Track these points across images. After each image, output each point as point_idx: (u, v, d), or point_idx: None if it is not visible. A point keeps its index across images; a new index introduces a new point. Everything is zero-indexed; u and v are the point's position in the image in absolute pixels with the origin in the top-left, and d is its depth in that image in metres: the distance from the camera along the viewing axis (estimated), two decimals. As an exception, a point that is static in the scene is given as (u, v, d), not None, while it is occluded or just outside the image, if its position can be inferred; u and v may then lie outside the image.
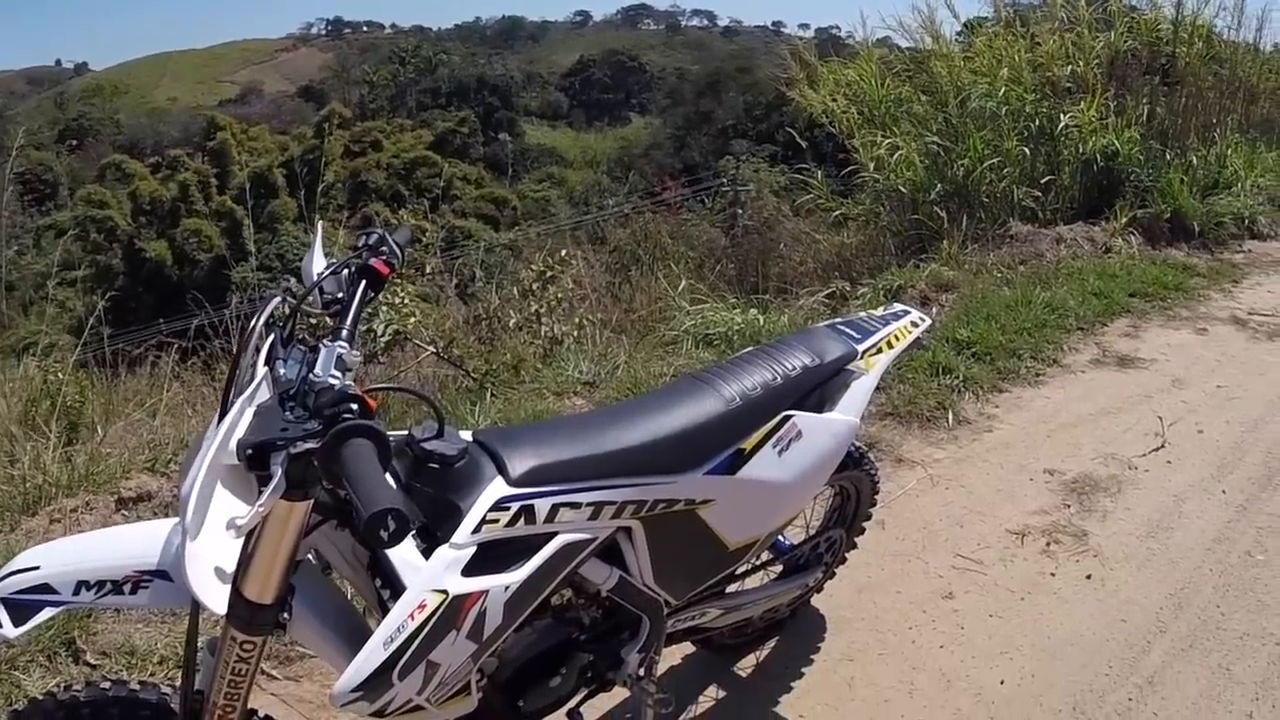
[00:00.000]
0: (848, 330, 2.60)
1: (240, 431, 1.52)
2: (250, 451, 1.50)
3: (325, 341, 1.72)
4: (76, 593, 1.67)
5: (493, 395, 5.09)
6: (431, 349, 5.80)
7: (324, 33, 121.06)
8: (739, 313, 6.05)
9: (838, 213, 9.43)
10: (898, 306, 2.86)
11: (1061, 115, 8.60)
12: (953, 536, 3.70)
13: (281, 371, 1.70)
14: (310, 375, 1.64)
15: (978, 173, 8.37)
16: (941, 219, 8.14)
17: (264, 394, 1.64)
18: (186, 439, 4.63)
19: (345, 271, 1.96)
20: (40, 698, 1.86)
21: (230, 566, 1.50)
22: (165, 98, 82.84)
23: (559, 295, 6.25)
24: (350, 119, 45.93)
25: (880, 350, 2.57)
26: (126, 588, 1.69)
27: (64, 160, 55.08)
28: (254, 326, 1.72)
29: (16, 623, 1.64)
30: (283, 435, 1.51)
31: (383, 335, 5.45)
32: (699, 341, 5.74)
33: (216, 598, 1.46)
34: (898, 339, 2.64)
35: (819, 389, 2.40)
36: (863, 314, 2.78)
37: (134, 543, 1.75)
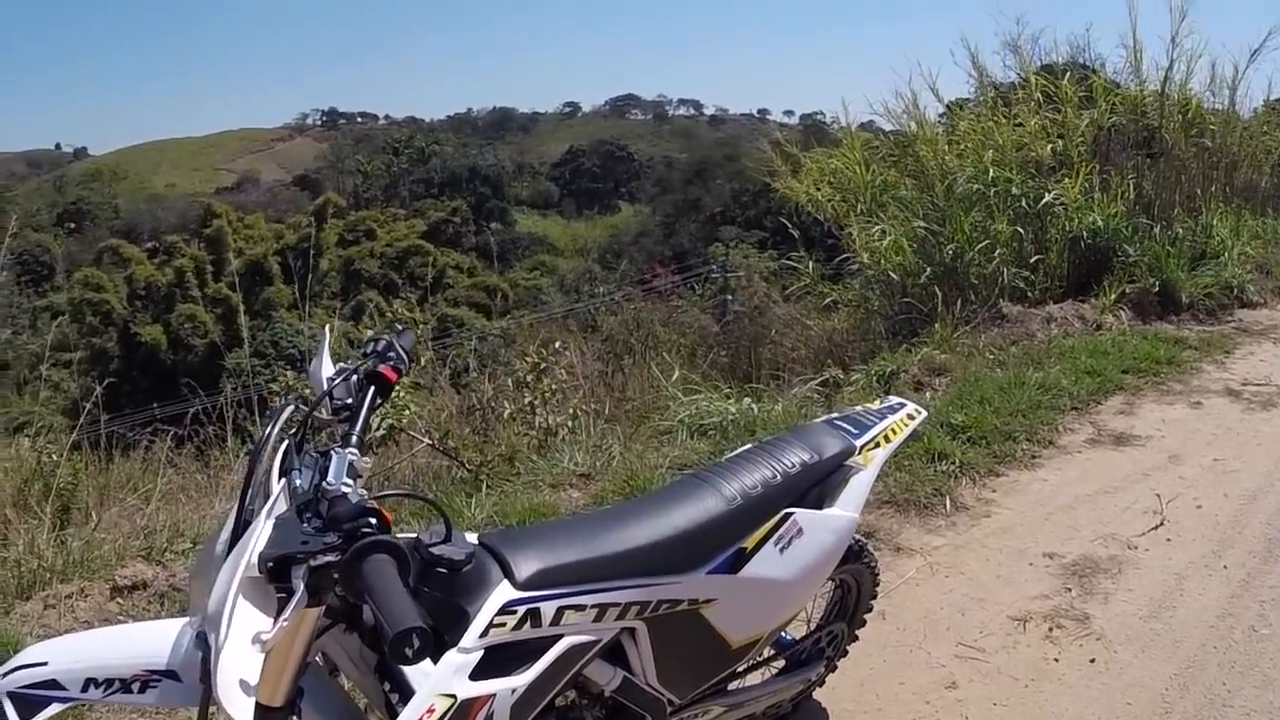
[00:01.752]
0: (845, 425, 2.62)
1: (261, 544, 1.56)
2: (271, 564, 1.54)
3: (336, 448, 1.76)
4: (84, 689, 1.67)
5: (488, 487, 5.07)
6: (427, 441, 5.78)
7: (319, 123, 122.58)
8: (733, 402, 6.06)
9: (829, 299, 9.47)
10: (893, 399, 2.89)
11: (1046, 193, 8.70)
12: (954, 625, 3.66)
13: (297, 482, 1.74)
14: (323, 483, 1.67)
15: (967, 255, 8.45)
16: (932, 302, 8.20)
17: (282, 505, 1.69)
18: (181, 527, 4.66)
19: (354, 378, 2.00)
20: None
21: (254, 679, 1.50)
22: (163, 184, 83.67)
23: (552, 386, 6.26)
24: (344, 208, 46.39)
25: (878, 444, 2.59)
26: (135, 686, 1.70)
27: (61, 243, 55.61)
28: (268, 434, 1.77)
29: (24, 717, 1.64)
30: (303, 549, 1.55)
31: (378, 430, 5.44)
32: (693, 432, 5.74)
33: (244, 709, 1.47)
34: (895, 432, 2.66)
35: (818, 485, 2.42)
36: (859, 408, 2.81)
37: (142, 641, 1.76)
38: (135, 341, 34.33)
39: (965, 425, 5.46)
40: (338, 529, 1.57)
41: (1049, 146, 9.25)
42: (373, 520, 1.58)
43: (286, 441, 1.81)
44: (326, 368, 2.05)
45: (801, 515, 2.31)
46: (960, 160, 9.24)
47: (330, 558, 1.54)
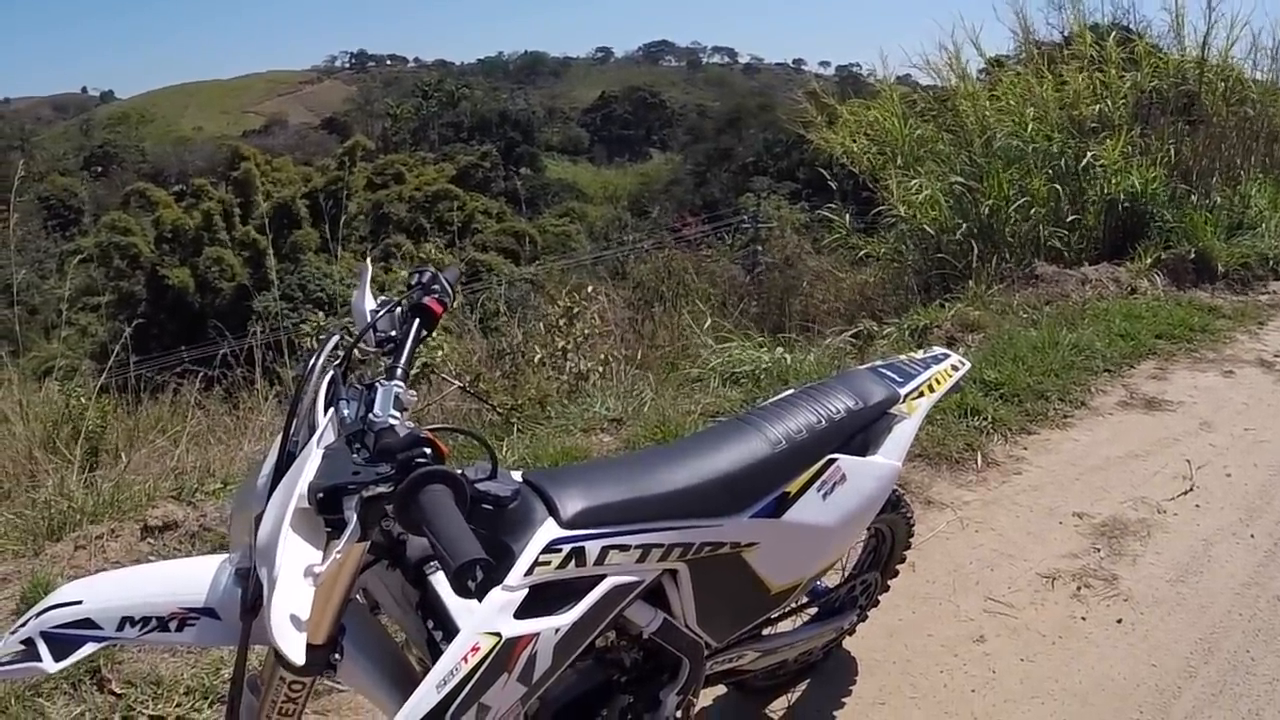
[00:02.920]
0: (889, 373, 2.61)
1: (310, 475, 1.52)
2: (322, 495, 1.50)
3: (381, 380, 1.74)
4: (120, 629, 1.63)
5: (519, 431, 5.09)
6: (458, 383, 5.81)
7: (348, 65, 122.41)
8: (765, 351, 6.06)
9: (862, 252, 9.42)
10: (937, 349, 2.88)
11: (1087, 154, 8.60)
12: (983, 579, 3.68)
13: (345, 412, 1.71)
14: (370, 415, 1.65)
15: (1003, 212, 8.38)
16: (966, 259, 8.15)
17: (330, 435, 1.65)
18: (211, 467, 4.68)
19: (398, 310, 1.97)
20: None
21: (305, 614, 1.47)
22: (190, 127, 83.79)
23: (585, 331, 6.26)
24: (373, 151, 46.28)
25: (922, 394, 2.58)
26: (172, 625, 1.65)
27: (88, 186, 55.71)
28: (314, 364, 1.74)
29: (57, 658, 1.59)
30: (355, 479, 1.52)
31: (411, 369, 5.45)
32: (725, 380, 5.74)
33: (296, 646, 1.44)
34: (939, 383, 2.65)
35: (862, 432, 2.41)
36: (903, 357, 2.79)
37: (178, 579, 1.73)
38: (163, 285, 34.44)
39: (998, 382, 5.44)
40: (390, 459, 1.54)
41: (1096, 107, 9.12)
42: (427, 450, 1.55)
43: (332, 372, 1.79)
44: (369, 301, 2.01)
45: (845, 462, 2.30)
46: (1001, 116, 9.13)
47: (383, 489, 1.51)
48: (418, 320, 1.94)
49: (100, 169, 61.93)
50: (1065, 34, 10.26)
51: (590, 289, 6.94)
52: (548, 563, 1.79)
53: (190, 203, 37.52)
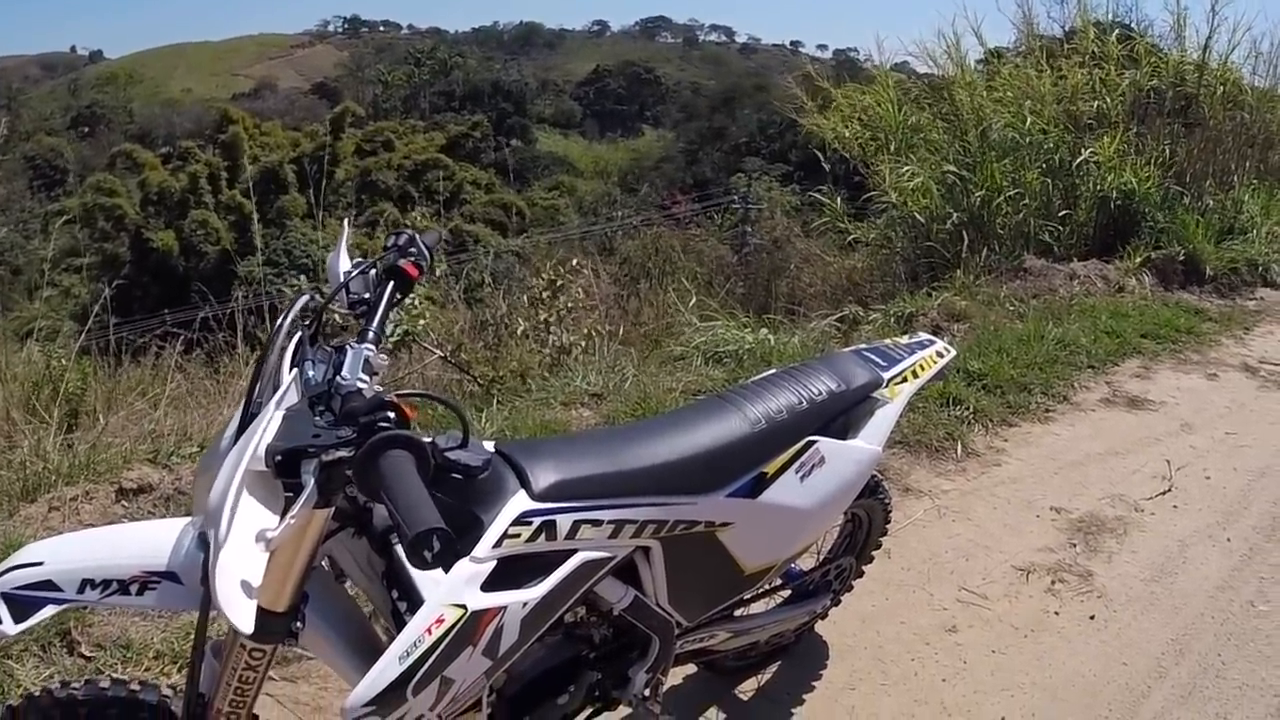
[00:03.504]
0: (873, 357, 2.58)
1: (269, 436, 1.47)
2: (280, 458, 1.45)
3: (351, 343, 1.70)
4: (81, 591, 1.61)
5: (499, 402, 5.06)
6: (439, 353, 5.78)
7: (340, 30, 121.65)
8: (749, 332, 6.03)
9: (851, 237, 9.40)
10: (923, 335, 2.85)
11: (1083, 150, 8.58)
12: (958, 569, 3.68)
13: (310, 374, 1.66)
14: (337, 378, 1.61)
15: (995, 203, 8.36)
16: (955, 248, 8.13)
17: (292, 396, 1.60)
18: (189, 431, 4.63)
19: (372, 272, 1.92)
20: (36, 693, 1.80)
21: (256, 580, 1.43)
22: (179, 89, 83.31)
23: (568, 305, 6.22)
24: (363, 118, 45.99)
25: (905, 379, 2.55)
26: (133, 588, 1.63)
27: (75, 147, 55.36)
28: (281, 324, 1.69)
29: (17, 619, 1.58)
30: (314, 442, 1.47)
31: (391, 336, 5.42)
32: (708, 358, 5.72)
33: (244, 613, 1.40)
34: (923, 369, 2.62)
35: (843, 415, 2.38)
36: (888, 341, 2.75)
37: (141, 542, 1.70)
38: (147, 247, 34.22)
39: (981, 373, 5.43)
40: (353, 423, 1.49)
41: (1094, 103, 9.09)
42: (390, 415, 1.50)
43: (299, 333, 1.74)
44: (344, 261, 1.96)
45: (825, 444, 2.28)
46: (997, 107, 9.10)
47: (344, 453, 1.46)
48: (392, 283, 1.90)
49: (87, 129, 61.49)
50: (1066, 28, 10.23)
51: (575, 262, 6.88)
52: (517, 535, 1.76)
53: (177, 165, 37.24)
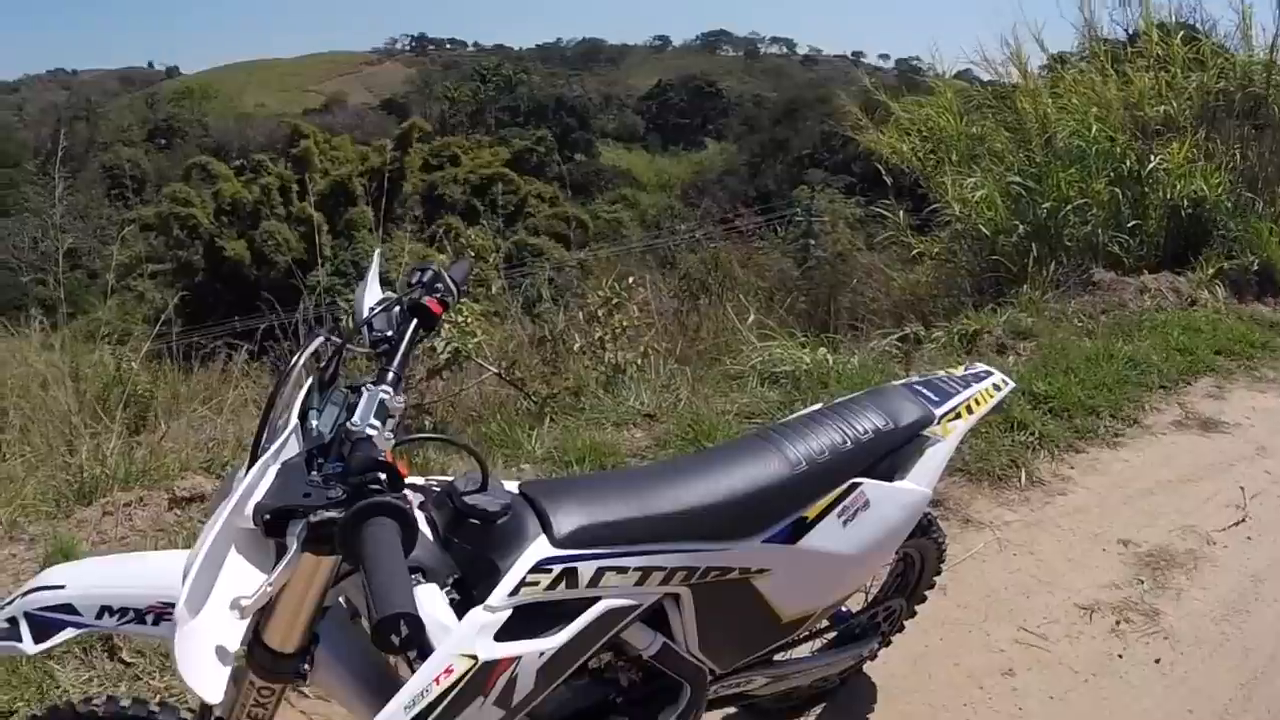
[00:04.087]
0: (925, 391, 2.44)
1: (260, 492, 1.43)
2: (268, 517, 1.40)
3: (368, 384, 1.63)
4: (99, 617, 1.63)
5: (551, 420, 5.01)
6: (493, 369, 5.72)
7: (408, 48, 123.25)
8: (808, 351, 5.86)
9: (915, 251, 9.19)
10: (979, 366, 2.68)
11: (1151, 157, 8.32)
12: (1018, 607, 3.50)
13: (314, 423, 1.60)
14: (348, 423, 1.55)
15: (1062, 214, 8.12)
16: (1021, 261, 7.91)
17: (292, 448, 1.54)
18: (245, 440, 4.61)
19: (396, 309, 1.86)
20: (60, 706, 1.83)
21: (234, 646, 1.39)
22: (252, 104, 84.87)
23: (624, 322, 6.10)
24: (430, 133, 46.52)
25: (959, 415, 2.41)
26: (149, 618, 1.63)
27: (152, 158, 56.79)
28: (293, 367, 1.64)
29: (37, 640, 1.61)
30: (304, 501, 1.41)
31: (442, 353, 5.38)
32: (765, 379, 5.57)
33: (212, 682, 1.34)
34: (978, 403, 2.47)
35: (891, 455, 2.24)
36: (941, 373, 2.60)
37: (160, 572, 1.68)
38: (220, 256, 35.01)
39: (1048, 395, 5.22)
40: (345, 481, 1.43)
41: (1161, 108, 8.81)
42: (382, 475, 1.44)
43: (310, 380, 1.68)
44: (372, 294, 1.91)
45: (869, 487, 2.15)
46: (1062, 115, 8.85)
47: (332, 514, 1.40)
48: (415, 321, 1.83)
49: (164, 142, 62.92)
50: (1130, 31, 9.95)
51: (632, 279, 6.77)
52: (536, 583, 1.68)
53: (249, 177, 38.03)
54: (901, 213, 9.59)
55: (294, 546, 1.38)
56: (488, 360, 5.74)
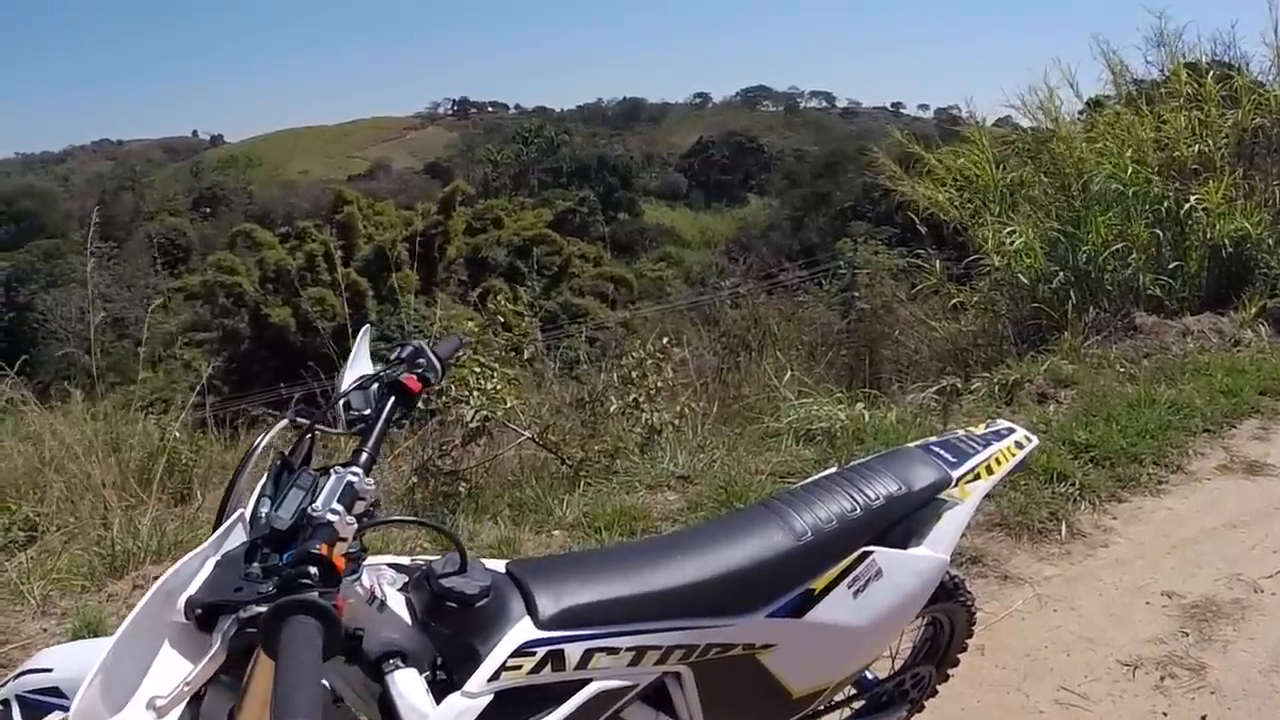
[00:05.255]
0: (942, 452, 2.33)
1: (195, 585, 1.40)
2: (199, 611, 1.37)
3: (337, 467, 1.57)
4: None
5: (586, 483, 5.00)
6: (526, 434, 5.70)
7: (451, 112, 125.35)
8: (844, 408, 5.82)
9: (955, 300, 9.11)
10: (1001, 423, 2.57)
11: (1189, 196, 8.22)
12: (1059, 666, 3.39)
13: (263, 511, 1.54)
14: (309, 508, 1.48)
15: (1101, 259, 8.03)
16: (1062, 308, 7.82)
17: (238, 537, 1.51)
18: None
19: (374, 386, 1.82)
20: None
21: None
22: (296, 170, 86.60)
23: (658, 384, 6.06)
24: (473, 196, 46.92)
25: (978, 476, 2.30)
26: None
27: (197, 227, 58.05)
28: (252, 451, 1.62)
29: None
30: (235, 596, 1.37)
31: (471, 421, 5.38)
32: (800, 437, 5.53)
33: None
34: (999, 463, 2.36)
35: (905, 521, 2.16)
36: (960, 432, 2.50)
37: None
38: (265, 323, 35.24)
39: (1089, 444, 5.11)
40: (277, 574, 1.38)
41: (1195, 147, 8.72)
42: (312, 570, 1.37)
43: (270, 465, 1.64)
44: (359, 371, 1.88)
45: (881, 555, 2.06)
46: (1099, 158, 8.77)
47: (262, 609, 1.33)
48: (392, 399, 1.80)
49: (209, 209, 64.27)
50: (1164, 72, 9.87)
51: (667, 339, 6.73)
52: (518, 667, 1.62)
53: (294, 244, 38.38)
54: (939, 262, 9.51)
55: (218, 643, 1.34)
56: (522, 425, 5.72)
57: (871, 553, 2.05)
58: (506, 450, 5.90)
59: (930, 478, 2.23)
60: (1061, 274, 8.16)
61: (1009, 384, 6.33)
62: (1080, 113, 10.10)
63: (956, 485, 2.25)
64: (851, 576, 2.01)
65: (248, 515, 1.57)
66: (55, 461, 5.82)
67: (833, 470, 2.28)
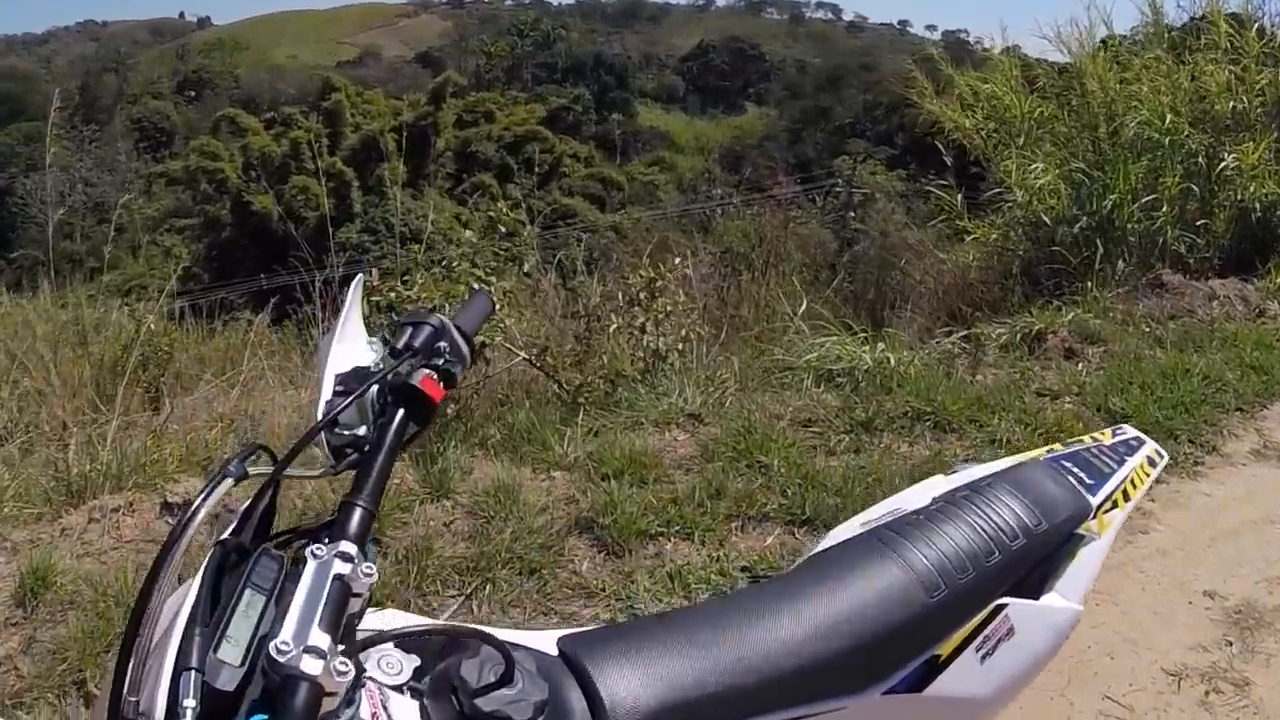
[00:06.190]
0: (1075, 470, 1.90)
1: None
2: None
3: (315, 548, 1.05)
4: None
5: (585, 412, 4.71)
6: (522, 355, 5.38)
7: (445, 1, 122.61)
8: (866, 348, 5.45)
9: (972, 237, 8.74)
10: (1129, 431, 2.14)
11: (1225, 154, 7.88)
12: (1103, 671, 3.15)
13: (193, 656, 0.96)
14: (270, 644, 0.94)
15: (1127, 208, 7.69)
16: (1081, 255, 7.49)
17: (163, 667, 0.97)
18: (257, 422, 4.64)
19: (373, 391, 1.25)
20: None
21: None
22: (284, 56, 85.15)
23: (667, 307, 5.69)
24: (465, 88, 46.19)
25: (1116, 504, 1.88)
26: None
27: (181, 111, 57.35)
28: (183, 521, 1.02)
29: None
30: None
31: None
32: (820, 378, 5.21)
33: None
34: (1134, 485, 1.94)
35: (1042, 563, 1.76)
36: (1089, 442, 2.05)
37: None
38: (248, 211, 34.72)
39: (1124, 413, 4.79)
40: None
41: (1231, 103, 8.33)
42: None
43: (212, 553, 1.09)
44: (349, 341, 1.34)
45: (1016, 609, 1.66)
46: (1132, 103, 8.36)
47: None
48: (401, 412, 1.23)
49: (193, 94, 63.43)
50: (1197, 18, 9.43)
51: (678, 260, 6.36)
52: None
53: (279, 131, 37.82)
54: (959, 196, 9.11)
55: None
56: (517, 345, 5.39)
57: (1006, 606, 1.66)
58: (498, 372, 5.60)
59: (1069, 507, 1.81)
60: (1084, 219, 7.81)
61: (1032, 333, 6.03)
62: (1110, 51, 9.64)
63: (1095, 516, 1.84)
64: (981, 637, 1.62)
65: (166, 665, 0.97)
66: (21, 358, 5.54)
67: (945, 483, 1.87)
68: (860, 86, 55.18)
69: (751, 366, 5.58)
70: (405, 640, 1.15)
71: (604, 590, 3.31)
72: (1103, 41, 9.53)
